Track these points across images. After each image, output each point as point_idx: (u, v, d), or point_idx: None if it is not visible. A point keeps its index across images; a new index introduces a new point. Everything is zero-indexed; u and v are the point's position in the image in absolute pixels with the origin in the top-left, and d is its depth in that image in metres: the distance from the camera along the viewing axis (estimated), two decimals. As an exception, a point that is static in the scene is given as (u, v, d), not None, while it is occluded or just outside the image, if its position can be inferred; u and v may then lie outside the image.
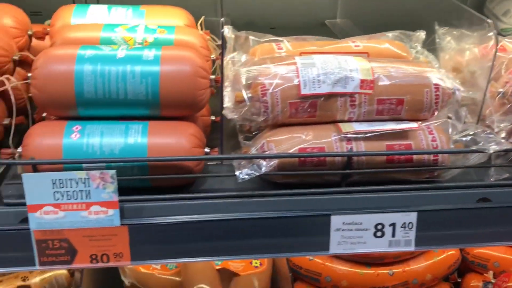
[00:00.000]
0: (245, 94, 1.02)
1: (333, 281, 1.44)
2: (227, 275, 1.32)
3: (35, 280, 1.36)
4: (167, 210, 1.00)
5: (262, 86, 1.01)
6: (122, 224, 0.96)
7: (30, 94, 1.06)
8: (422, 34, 1.28)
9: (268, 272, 1.32)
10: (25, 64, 1.18)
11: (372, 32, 1.29)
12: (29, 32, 1.23)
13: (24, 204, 0.96)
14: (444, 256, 1.53)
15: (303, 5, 1.93)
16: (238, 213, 1.00)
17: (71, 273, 1.43)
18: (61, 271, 1.39)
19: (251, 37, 1.19)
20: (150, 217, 0.98)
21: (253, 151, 1.02)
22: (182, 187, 1.05)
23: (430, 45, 1.34)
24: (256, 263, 1.36)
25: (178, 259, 1.01)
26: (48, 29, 1.25)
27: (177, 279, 1.40)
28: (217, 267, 1.33)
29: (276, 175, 1.02)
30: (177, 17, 1.25)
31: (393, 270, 1.46)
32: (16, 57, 1.12)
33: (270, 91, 1.01)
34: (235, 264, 1.32)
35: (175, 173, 0.99)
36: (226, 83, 1.07)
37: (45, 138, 0.96)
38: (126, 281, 1.41)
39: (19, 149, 1.00)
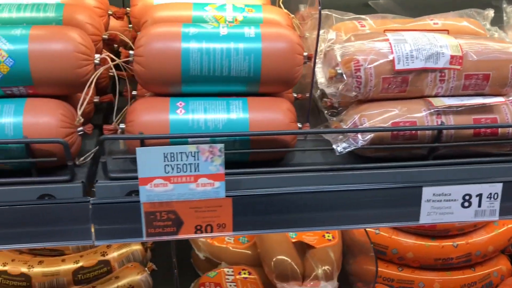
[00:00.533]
0: (339, 70, 1.05)
1: (400, 253, 1.48)
2: (301, 248, 1.36)
3: (113, 254, 1.40)
4: (265, 183, 1.03)
5: (356, 62, 1.04)
6: (226, 196, 1.00)
7: (111, 73, 1.10)
8: (490, 12, 1.31)
9: (340, 245, 1.36)
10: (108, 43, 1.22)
11: (417, 13, 1.32)
12: (109, 12, 1.25)
13: (130, 178, 1.00)
14: (504, 229, 1.57)
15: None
16: (334, 185, 1.04)
17: (145, 248, 1.47)
18: (136, 247, 1.43)
19: (334, 15, 1.22)
20: (251, 189, 1.01)
21: (348, 125, 1.06)
22: (275, 161, 1.09)
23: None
24: (328, 236, 1.41)
25: (277, 229, 1.05)
26: (128, 9, 1.28)
27: (250, 252, 1.44)
28: (293, 240, 1.38)
29: (369, 149, 1.05)
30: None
31: (457, 243, 1.50)
32: (105, 36, 1.15)
33: (365, 66, 1.04)
34: (308, 237, 1.36)
35: (273, 147, 1.03)
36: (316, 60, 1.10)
37: (151, 114, 0.99)
38: (201, 255, 1.45)
39: (121, 125, 1.04)
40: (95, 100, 1.15)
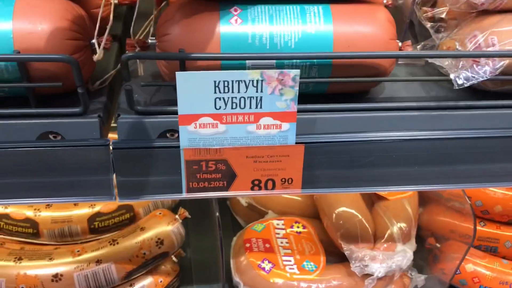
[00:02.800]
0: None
1: (485, 206, 1.23)
2: (370, 200, 1.10)
3: (138, 198, 1.16)
4: (348, 125, 0.75)
5: (489, -46, 0.72)
6: (297, 143, 0.72)
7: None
8: None
9: (416, 195, 1.11)
10: None
11: None
12: None
13: (165, 113, 0.73)
14: None
15: None
16: (441, 131, 0.75)
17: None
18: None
19: None
20: (329, 133, 0.74)
21: (467, 46, 0.75)
22: (361, 94, 0.80)
23: None
24: (402, 186, 1.14)
25: (360, 188, 0.78)
26: None
27: (303, 200, 1.19)
28: (360, 189, 1.11)
29: (496, 80, 0.75)
30: None
31: None
32: None
33: (502, -40, 0.72)
34: (379, 187, 1.10)
35: (365, 74, 0.73)
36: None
37: (193, 25, 0.70)
38: (243, 201, 1.20)
39: (151, 40, 0.74)
40: (113, 0, 0.85)
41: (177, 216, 1.09)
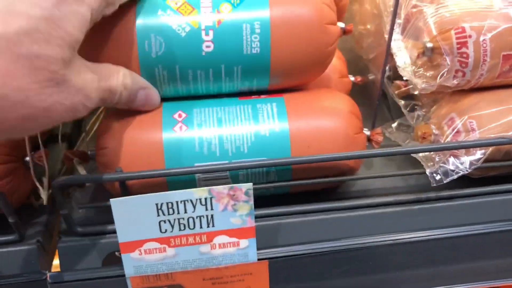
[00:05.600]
0: (429, 44, 0.66)
1: None
2: None
3: None
4: (315, 227, 0.67)
5: (459, 31, 0.64)
6: (260, 259, 0.64)
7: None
8: None
9: None
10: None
11: None
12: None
13: (108, 232, 0.65)
14: None
15: None
16: (423, 231, 0.67)
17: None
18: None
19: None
20: (297, 244, 0.65)
21: (444, 130, 0.67)
22: (324, 191, 0.72)
23: None
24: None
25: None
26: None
27: None
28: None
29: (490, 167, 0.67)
30: None
31: None
32: None
33: (474, 38, 0.64)
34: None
35: (331, 173, 0.65)
36: (387, 21, 0.70)
37: (133, 136, 0.62)
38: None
39: (92, 151, 0.67)
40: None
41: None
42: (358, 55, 0.87)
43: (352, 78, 0.80)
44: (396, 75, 0.77)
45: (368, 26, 0.78)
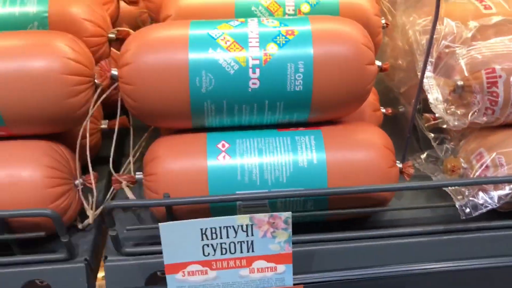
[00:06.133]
0: (460, 82, 0.69)
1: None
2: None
3: None
4: (348, 255, 0.70)
5: (490, 72, 0.68)
6: (295, 284, 0.67)
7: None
8: None
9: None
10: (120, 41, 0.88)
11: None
12: (118, -5, 0.91)
13: (154, 253, 0.69)
14: None
15: None
16: (454, 261, 0.69)
17: None
18: None
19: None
20: (332, 270, 0.68)
21: (473, 165, 0.70)
22: (358, 220, 0.75)
23: None
24: None
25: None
26: (143, -11, 0.93)
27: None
28: None
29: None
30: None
31: None
32: (112, 35, 0.81)
33: (504, 78, 0.67)
34: None
35: (364, 204, 0.69)
36: (420, 59, 0.74)
37: (179, 163, 0.66)
38: None
39: (138, 175, 0.71)
40: (102, 126, 0.83)
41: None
42: (388, 86, 0.90)
43: (383, 110, 0.84)
44: (425, 108, 0.81)
45: (400, 62, 0.82)
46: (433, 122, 0.79)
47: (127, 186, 0.71)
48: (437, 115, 0.71)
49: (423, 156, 0.81)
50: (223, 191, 0.65)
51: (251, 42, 0.65)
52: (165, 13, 0.77)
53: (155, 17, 0.91)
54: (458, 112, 0.69)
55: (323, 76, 0.64)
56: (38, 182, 0.65)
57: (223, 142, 0.68)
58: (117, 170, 0.75)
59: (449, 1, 0.83)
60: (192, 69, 0.64)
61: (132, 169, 0.74)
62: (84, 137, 0.70)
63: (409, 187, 0.65)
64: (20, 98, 0.63)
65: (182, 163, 0.66)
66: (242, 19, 0.68)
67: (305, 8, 0.76)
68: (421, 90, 0.70)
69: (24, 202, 0.65)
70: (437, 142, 0.78)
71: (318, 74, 0.64)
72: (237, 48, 0.64)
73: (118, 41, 0.82)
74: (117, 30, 0.81)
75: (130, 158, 0.75)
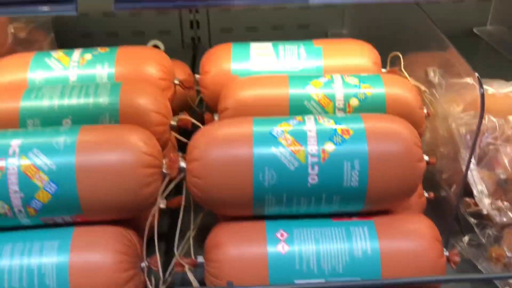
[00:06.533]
0: (503, 175, 0.74)
1: None
2: None
3: None
4: None
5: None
6: None
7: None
8: None
9: None
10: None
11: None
12: (176, 82, 0.98)
13: None
14: None
15: (445, 12, 1.61)
16: None
17: None
18: None
19: (472, 82, 0.89)
20: None
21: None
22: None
23: None
24: None
25: None
26: (197, 76, 1.01)
27: None
28: None
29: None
30: (361, 54, 0.97)
31: None
32: (173, 123, 0.88)
33: (547, 176, 0.72)
34: None
35: (415, 290, 0.73)
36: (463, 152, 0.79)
37: (241, 251, 0.71)
38: None
39: (200, 259, 0.76)
40: (161, 206, 0.88)
41: None
42: (429, 169, 0.95)
43: (426, 195, 0.89)
44: (466, 190, 0.85)
45: (442, 150, 0.87)
46: (474, 208, 0.84)
47: (190, 269, 0.75)
48: (484, 211, 0.75)
49: (465, 240, 0.85)
50: (283, 280, 0.70)
51: (309, 140, 0.71)
52: (223, 105, 0.84)
53: (207, 102, 0.98)
54: (503, 206, 0.73)
55: (377, 174, 0.69)
56: (108, 266, 0.70)
57: (281, 231, 0.72)
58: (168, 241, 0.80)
59: (487, 92, 0.88)
60: (256, 165, 0.69)
61: (192, 251, 0.79)
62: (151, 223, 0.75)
63: (461, 279, 0.69)
64: (98, 190, 0.70)
65: (244, 251, 0.71)
66: (300, 118, 0.74)
67: (354, 102, 0.82)
68: (464, 185, 0.75)
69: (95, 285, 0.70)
70: (479, 228, 0.82)
71: (373, 172, 0.69)
72: (297, 146, 0.70)
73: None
74: (179, 119, 0.88)
75: (191, 240, 0.80)
